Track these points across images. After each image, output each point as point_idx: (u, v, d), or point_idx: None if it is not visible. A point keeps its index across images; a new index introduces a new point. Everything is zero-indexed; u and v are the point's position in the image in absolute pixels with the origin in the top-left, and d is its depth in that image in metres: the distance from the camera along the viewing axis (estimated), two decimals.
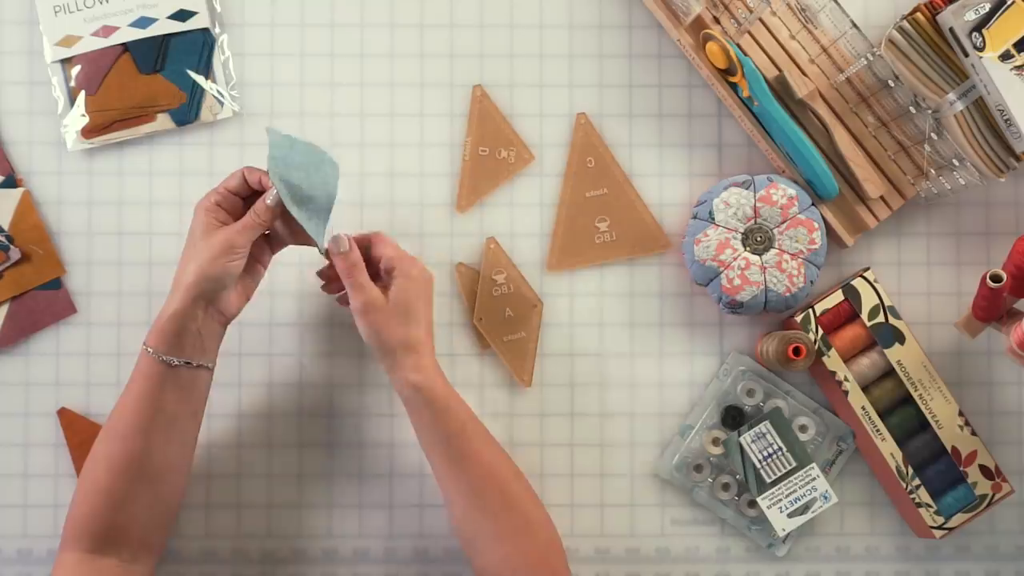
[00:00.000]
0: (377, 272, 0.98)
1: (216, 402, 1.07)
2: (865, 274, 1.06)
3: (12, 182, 1.07)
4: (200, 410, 0.96)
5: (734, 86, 1.05)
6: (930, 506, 1.04)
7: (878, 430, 1.04)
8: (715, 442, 1.07)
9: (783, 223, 1.03)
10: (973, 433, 1.05)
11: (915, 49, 1.00)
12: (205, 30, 1.08)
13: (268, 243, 0.98)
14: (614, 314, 1.09)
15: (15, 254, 1.06)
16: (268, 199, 0.94)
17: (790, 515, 1.04)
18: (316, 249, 0.96)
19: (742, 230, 1.04)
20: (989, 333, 1.08)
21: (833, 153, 1.05)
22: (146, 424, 0.92)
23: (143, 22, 1.07)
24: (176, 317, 0.92)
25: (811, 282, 1.04)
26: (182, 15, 1.07)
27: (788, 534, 1.06)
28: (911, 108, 1.01)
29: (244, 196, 0.96)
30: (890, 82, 1.01)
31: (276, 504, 1.07)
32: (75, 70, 1.07)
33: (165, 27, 1.07)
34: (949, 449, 1.05)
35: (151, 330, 0.93)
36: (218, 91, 1.08)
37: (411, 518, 1.08)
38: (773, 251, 1.03)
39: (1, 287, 1.06)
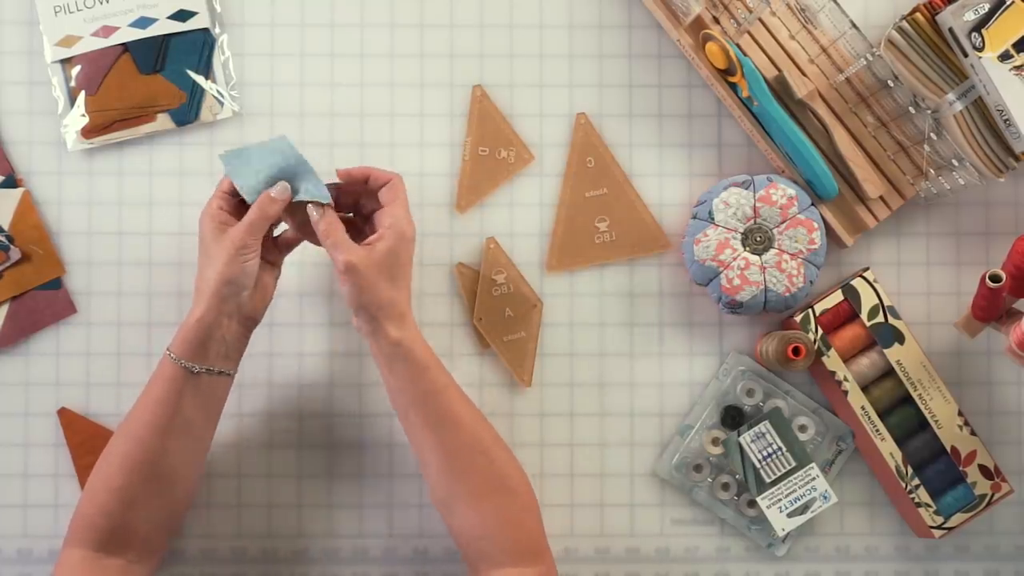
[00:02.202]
0: (363, 208, 0.98)
1: None
2: (865, 274, 1.06)
3: (12, 182, 1.07)
4: (217, 416, 0.96)
5: (734, 86, 1.05)
6: (930, 506, 1.04)
7: (878, 430, 1.04)
8: (715, 442, 1.07)
9: (783, 223, 1.03)
10: (972, 433, 1.05)
11: (914, 49, 1.00)
12: (205, 30, 1.08)
13: (276, 245, 0.99)
14: (614, 314, 1.09)
15: (15, 254, 1.06)
16: (273, 192, 0.93)
17: (790, 515, 1.04)
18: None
19: (742, 230, 1.04)
20: (988, 333, 1.08)
21: (833, 153, 1.05)
22: (163, 427, 0.92)
23: (143, 22, 1.07)
24: (202, 324, 0.91)
25: (811, 282, 1.04)
26: (182, 15, 1.07)
27: (788, 534, 1.06)
28: (911, 108, 1.01)
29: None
30: (889, 82, 1.01)
31: (276, 504, 1.07)
32: (75, 70, 1.07)
33: (165, 27, 1.07)
34: (948, 449, 1.05)
35: (176, 336, 0.93)
36: (218, 91, 1.08)
37: (411, 518, 1.08)
38: (773, 251, 1.03)
39: (1, 287, 1.06)
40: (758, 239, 1.04)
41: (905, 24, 1.00)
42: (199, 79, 1.08)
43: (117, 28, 1.07)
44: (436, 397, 0.94)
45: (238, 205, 0.95)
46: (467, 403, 0.96)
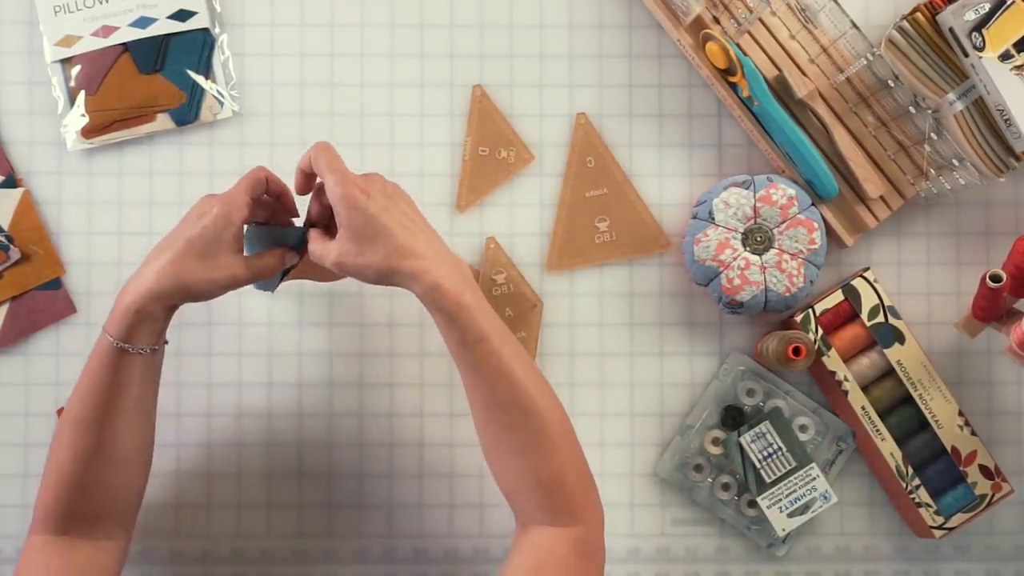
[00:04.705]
0: None
1: (216, 402, 1.07)
2: (865, 274, 1.06)
3: (12, 182, 1.07)
4: (158, 382, 0.93)
5: (734, 86, 1.05)
6: (930, 506, 1.04)
7: (878, 430, 1.04)
8: (715, 442, 1.07)
9: (783, 223, 1.03)
10: (973, 433, 1.05)
11: (915, 49, 1.00)
12: (205, 30, 1.08)
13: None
14: (614, 314, 1.09)
15: (15, 254, 1.06)
16: (287, 259, 0.94)
17: (790, 515, 1.04)
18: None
19: (742, 230, 1.04)
20: (989, 333, 1.08)
21: (833, 153, 1.05)
22: (112, 412, 0.89)
23: (143, 22, 1.07)
24: (147, 317, 0.88)
25: (811, 282, 1.04)
26: (182, 15, 1.07)
27: (788, 534, 1.06)
28: (911, 108, 1.01)
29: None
30: (890, 82, 1.01)
31: (276, 504, 1.07)
32: (75, 70, 1.07)
33: (165, 27, 1.07)
34: (949, 449, 1.05)
35: (114, 318, 0.88)
36: (218, 91, 1.08)
37: (411, 518, 1.08)
38: (773, 251, 1.03)
39: (1, 287, 1.06)
40: (758, 239, 1.03)
41: (905, 24, 1.00)
42: (199, 79, 1.08)
43: (117, 28, 1.07)
44: (471, 347, 0.88)
45: (254, 210, 0.93)
46: (509, 354, 0.90)
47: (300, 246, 0.95)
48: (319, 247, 0.91)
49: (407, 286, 0.88)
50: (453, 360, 0.91)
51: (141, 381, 0.90)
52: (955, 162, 1.01)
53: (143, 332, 0.88)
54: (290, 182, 1.02)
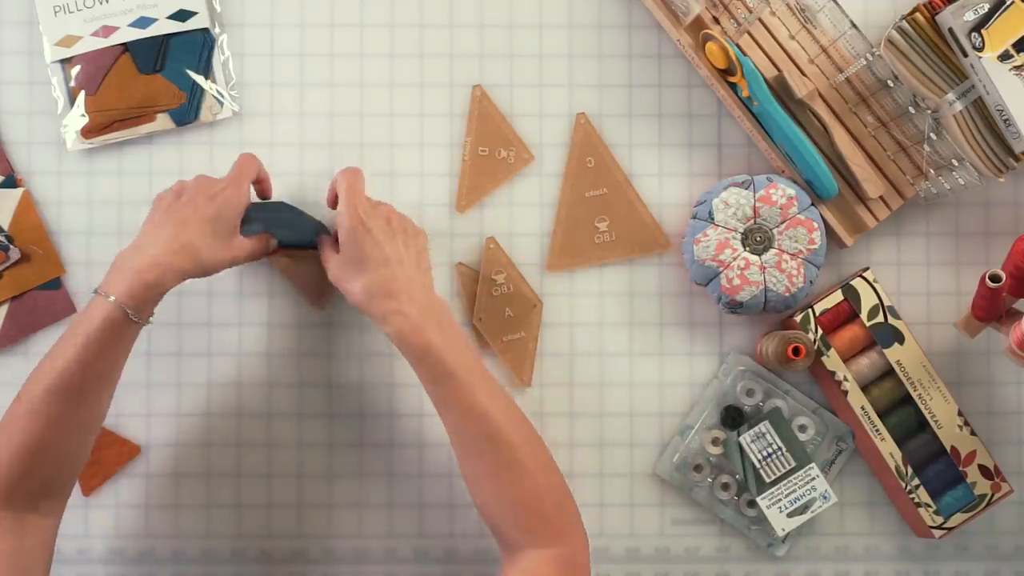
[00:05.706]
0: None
1: (216, 401, 1.07)
2: (864, 274, 1.06)
3: (12, 182, 1.07)
4: None
5: (734, 86, 1.05)
6: (929, 506, 1.04)
7: (877, 430, 1.04)
8: (715, 442, 1.07)
9: (782, 223, 1.03)
10: (972, 433, 1.05)
11: (914, 49, 1.00)
12: (205, 30, 1.08)
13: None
14: (614, 314, 1.09)
15: (15, 254, 1.06)
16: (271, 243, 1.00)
17: (790, 515, 1.04)
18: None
19: (742, 230, 1.04)
20: (988, 333, 1.08)
21: (833, 153, 1.05)
22: (102, 382, 0.90)
23: (143, 22, 1.07)
24: (161, 292, 0.91)
25: (810, 282, 1.04)
26: (182, 15, 1.07)
27: (788, 534, 1.06)
28: (910, 108, 1.01)
29: None
30: (889, 82, 1.01)
31: (276, 504, 1.07)
32: (75, 70, 1.07)
33: (165, 27, 1.07)
34: (948, 449, 1.05)
35: (129, 290, 0.89)
36: (218, 91, 1.08)
37: (411, 518, 1.08)
38: (772, 251, 1.03)
39: (1, 287, 1.06)
40: (758, 239, 1.04)
41: (905, 24, 1.00)
42: (199, 79, 1.08)
43: (117, 28, 1.07)
44: (439, 385, 0.93)
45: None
46: (477, 390, 0.93)
47: (300, 244, 1.00)
48: (325, 256, 0.98)
49: (378, 324, 0.94)
50: (428, 393, 0.95)
51: (128, 352, 0.93)
52: (955, 162, 1.01)
53: (151, 305, 0.92)
54: (288, 182, 1.02)
